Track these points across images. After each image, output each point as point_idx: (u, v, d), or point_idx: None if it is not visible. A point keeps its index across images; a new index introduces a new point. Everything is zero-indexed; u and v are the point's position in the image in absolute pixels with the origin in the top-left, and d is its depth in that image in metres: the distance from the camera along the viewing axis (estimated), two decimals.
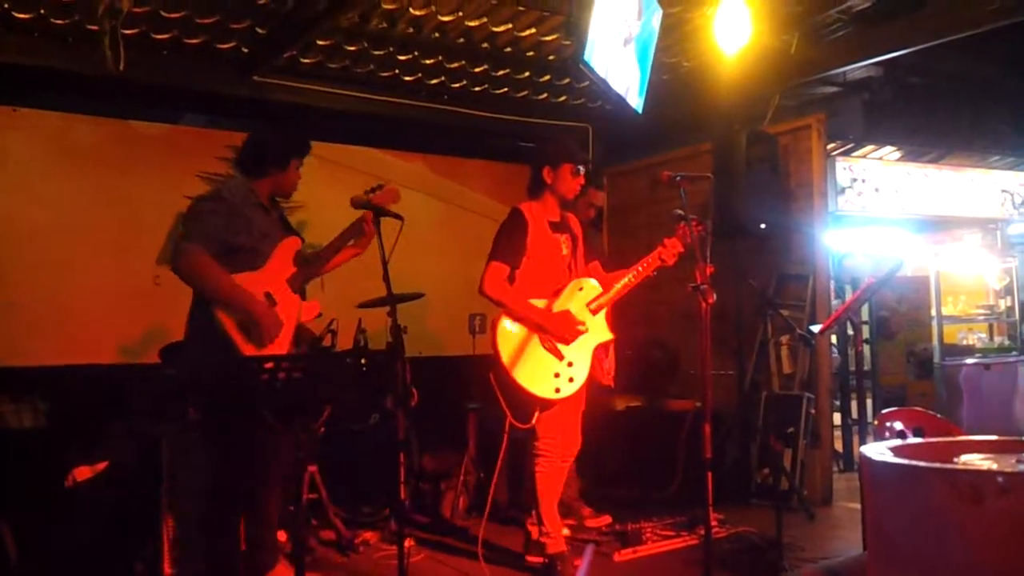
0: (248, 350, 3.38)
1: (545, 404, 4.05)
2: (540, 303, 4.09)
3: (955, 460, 1.22)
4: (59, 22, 4.91)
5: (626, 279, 4.17)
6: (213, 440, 3.60)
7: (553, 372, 4.01)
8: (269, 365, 2.77)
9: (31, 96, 5.43)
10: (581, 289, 4.19)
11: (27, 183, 5.40)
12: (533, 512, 4.20)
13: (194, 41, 5.31)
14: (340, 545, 4.61)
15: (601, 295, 4.18)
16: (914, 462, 1.14)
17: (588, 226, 5.32)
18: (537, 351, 4.02)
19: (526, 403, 4.04)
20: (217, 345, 3.36)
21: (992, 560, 1.06)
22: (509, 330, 4.03)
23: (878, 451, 1.22)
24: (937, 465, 1.11)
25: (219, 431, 3.51)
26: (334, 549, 4.60)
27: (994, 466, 1.19)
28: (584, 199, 4.99)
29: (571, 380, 4.04)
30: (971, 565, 1.08)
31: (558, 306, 4.11)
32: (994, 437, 1.36)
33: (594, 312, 4.16)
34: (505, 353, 3.98)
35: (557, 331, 4.03)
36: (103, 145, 5.66)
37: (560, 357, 4.04)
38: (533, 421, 4.07)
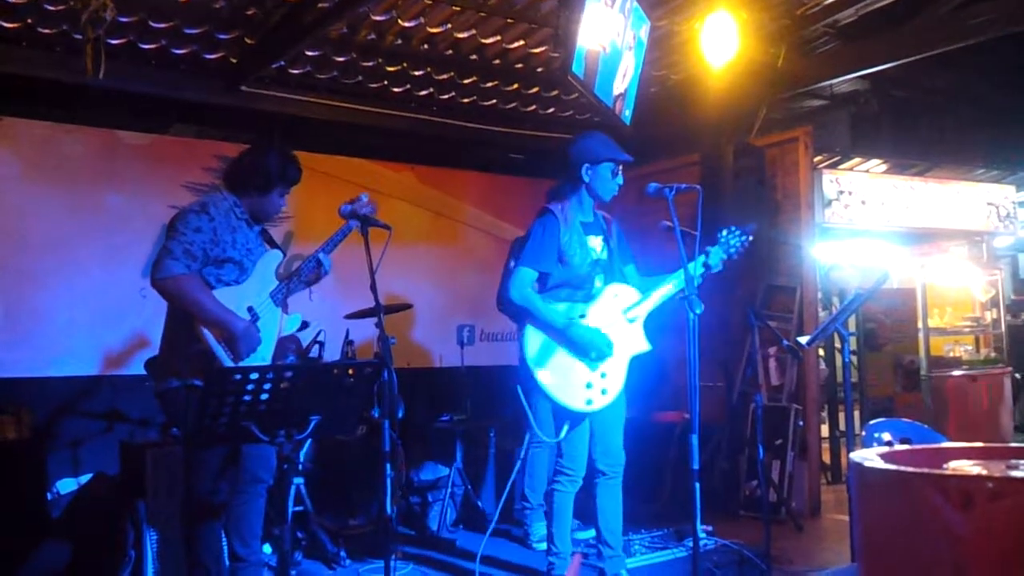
0: (229, 363, 3.37)
1: (576, 417, 3.84)
2: (574, 309, 3.85)
3: (944, 466, 1.22)
4: (46, 31, 4.88)
5: (665, 286, 3.89)
6: (189, 452, 3.52)
7: (584, 382, 3.79)
8: (255, 376, 2.75)
9: (17, 105, 5.39)
10: (617, 295, 3.93)
11: (12, 192, 5.35)
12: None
13: (182, 51, 5.29)
14: (326, 558, 4.58)
15: (638, 302, 3.93)
16: (904, 468, 1.13)
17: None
18: (567, 360, 3.79)
19: (555, 415, 3.87)
20: (199, 356, 3.32)
21: (982, 565, 1.06)
22: (537, 337, 3.81)
23: (868, 457, 1.21)
24: (927, 471, 1.11)
25: (196, 442, 3.41)
26: (320, 562, 4.57)
27: (983, 472, 1.18)
28: None
29: (604, 392, 3.82)
30: (961, 570, 1.07)
31: (592, 313, 3.86)
32: (982, 444, 1.36)
33: (630, 320, 3.91)
34: (533, 361, 3.77)
35: (583, 348, 3.77)
36: (89, 155, 5.61)
37: (593, 367, 3.82)
38: (562, 435, 3.86)
